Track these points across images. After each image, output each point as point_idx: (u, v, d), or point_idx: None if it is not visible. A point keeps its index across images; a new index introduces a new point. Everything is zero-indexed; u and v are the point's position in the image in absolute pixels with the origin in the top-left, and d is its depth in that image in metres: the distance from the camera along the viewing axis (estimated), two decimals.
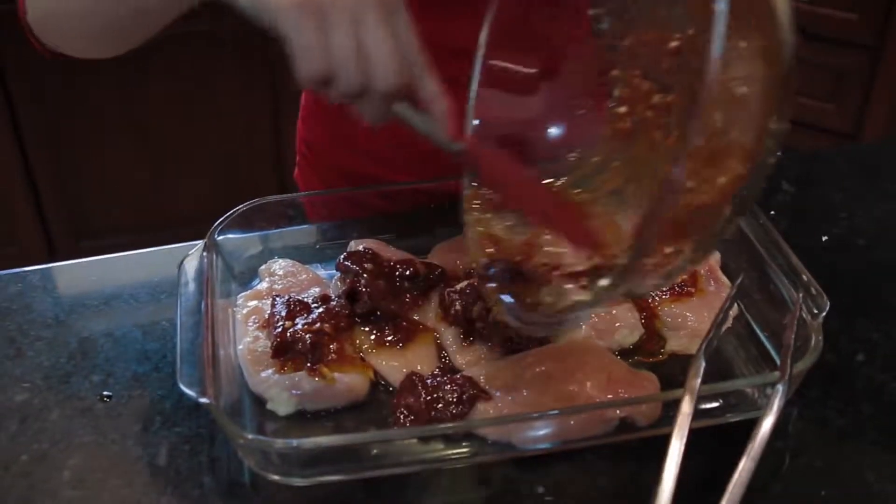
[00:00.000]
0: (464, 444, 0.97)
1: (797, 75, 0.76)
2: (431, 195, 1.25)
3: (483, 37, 1.00)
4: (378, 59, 0.80)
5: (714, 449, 0.95)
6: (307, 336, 1.03)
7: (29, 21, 1.05)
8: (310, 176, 1.47)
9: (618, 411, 0.97)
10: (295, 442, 0.94)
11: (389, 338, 1.07)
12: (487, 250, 1.00)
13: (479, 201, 1.03)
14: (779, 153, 0.78)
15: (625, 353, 1.08)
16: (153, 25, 1.02)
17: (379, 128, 0.88)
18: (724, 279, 1.14)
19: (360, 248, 1.16)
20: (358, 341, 1.07)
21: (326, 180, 1.44)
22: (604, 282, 0.83)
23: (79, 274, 1.27)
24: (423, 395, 0.98)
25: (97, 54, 1.11)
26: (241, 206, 1.17)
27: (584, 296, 0.86)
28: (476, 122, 1.01)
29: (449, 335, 1.09)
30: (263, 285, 1.15)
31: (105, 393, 1.05)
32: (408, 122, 0.89)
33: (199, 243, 1.12)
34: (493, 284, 0.96)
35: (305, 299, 1.09)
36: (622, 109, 1.00)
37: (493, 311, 1.04)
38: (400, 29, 0.81)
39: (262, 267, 1.18)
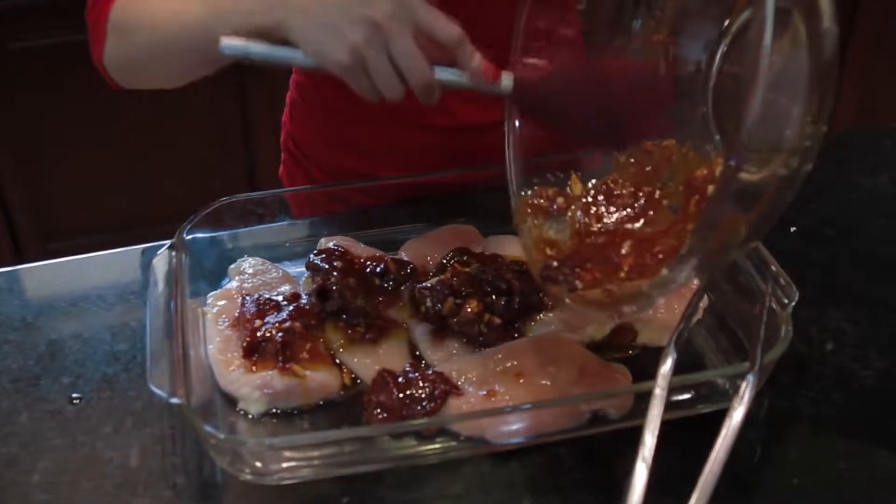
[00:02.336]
0: (437, 439, 0.97)
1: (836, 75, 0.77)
2: (418, 188, 1.25)
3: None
4: (410, 69, 0.96)
5: (686, 440, 0.94)
6: (278, 335, 1.03)
7: (104, 65, 1.16)
8: (295, 173, 1.47)
9: (590, 404, 0.97)
10: (267, 441, 0.95)
11: (361, 335, 1.07)
12: (547, 252, 1.00)
13: (530, 209, 1.06)
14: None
15: (596, 347, 1.08)
16: (218, 66, 1.11)
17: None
18: None
19: (330, 245, 1.15)
20: (329, 339, 1.07)
21: (312, 177, 1.43)
22: (664, 271, 0.83)
23: (47, 276, 1.26)
24: (396, 392, 0.98)
25: (169, 86, 1.19)
26: (209, 205, 1.17)
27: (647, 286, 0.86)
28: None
29: (420, 331, 1.08)
30: (233, 284, 1.14)
31: (74, 395, 1.05)
32: (453, 85, 1.00)
33: (168, 243, 1.11)
34: (558, 282, 0.96)
35: (276, 298, 1.09)
36: None
37: (470, 308, 1.04)
38: (422, 24, 0.95)
39: (232, 266, 1.17)
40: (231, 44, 0.99)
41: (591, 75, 1.01)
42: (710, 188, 0.90)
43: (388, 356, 1.05)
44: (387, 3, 0.94)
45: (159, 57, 1.12)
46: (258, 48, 1.00)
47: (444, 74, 1.00)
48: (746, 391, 0.90)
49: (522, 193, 1.06)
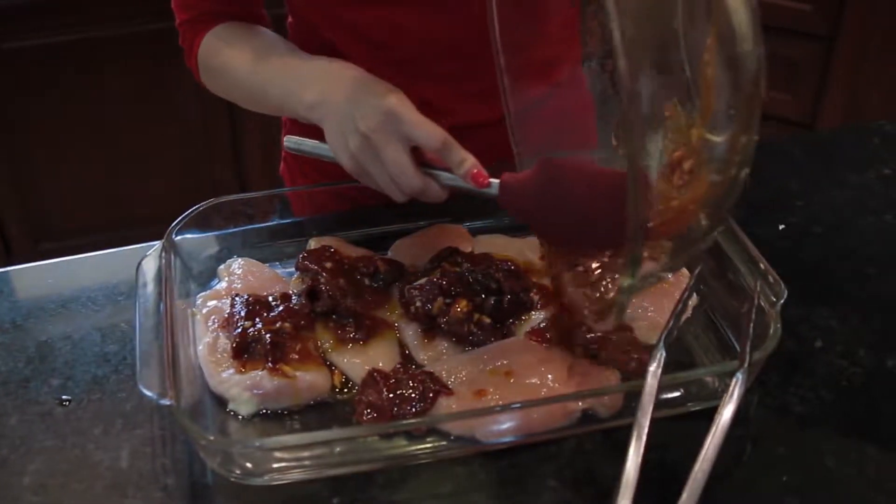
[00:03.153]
0: (427, 439, 0.97)
1: (764, 90, 0.79)
2: None
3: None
4: (398, 178, 1.04)
5: (676, 438, 0.95)
6: (267, 335, 1.03)
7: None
8: (296, 170, 1.46)
9: (580, 403, 0.98)
10: (257, 442, 0.95)
11: (350, 335, 1.07)
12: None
13: None
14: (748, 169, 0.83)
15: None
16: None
17: None
18: (683, 269, 1.15)
19: (320, 246, 1.15)
20: (319, 339, 1.07)
21: (311, 176, 1.43)
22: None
23: (36, 277, 1.25)
24: (386, 392, 0.98)
25: None
26: (198, 206, 1.17)
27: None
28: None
29: (410, 331, 1.09)
30: (223, 285, 1.14)
31: (64, 397, 1.04)
32: (451, 186, 1.06)
33: (157, 244, 1.11)
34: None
35: (265, 298, 1.09)
36: None
37: (460, 308, 1.04)
38: (413, 137, 1.02)
39: (221, 266, 1.17)
40: (290, 144, 1.16)
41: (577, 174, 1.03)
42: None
43: (377, 356, 1.05)
44: (374, 116, 1.02)
45: (241, 101, 1.25)
46: (310, 146, 1.14)
47: (442, 176, 1.05)
48: (736, 388, 0.91)
49: None
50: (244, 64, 1.19)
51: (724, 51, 0.83)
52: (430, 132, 1.02)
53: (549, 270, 1.09)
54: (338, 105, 1.06)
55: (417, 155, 1.04)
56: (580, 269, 1.01)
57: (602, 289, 0.98)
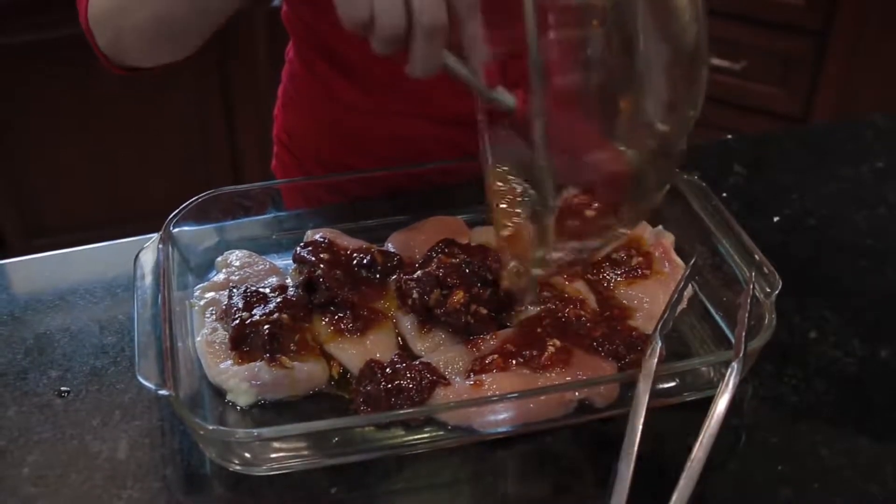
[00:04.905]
0: (425, 429, 0.98)
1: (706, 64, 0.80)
2: (408, 179, 1.26)
3: None
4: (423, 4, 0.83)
5: (671, 428, 0.96)
6: (265, 327, 1.03)
7: (89, 22, 1.12)
8: (288, 166, 1.47)
9: (576, 393, 0.98)
10: (256, 432, 0.95)
11: (348, 326, 1.07)
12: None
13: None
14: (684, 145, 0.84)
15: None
16: (207, 27, 1.07)
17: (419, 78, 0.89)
18: (679, 261, 1.15)
19: (317, 237, 1.16)
20: (317, 331, 1.08)
21: (306, 170, 1.44)
22: None
23: (33, 270, 1.26)
24: (383, 383, 0.99)
25: (156, 59, 1.16)
26: (196, 198, 1.17)
27: None
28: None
29: (407, 322, 1.09)
30: (220, 277, 1.14)
31: (63, 388, 1.05)
32: (454, 73, 0.90)
33: (155, 236, 1.12)
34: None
35: (263, 290, 1.09)
36: None
37: (456, 299, 1.05)
38: None
39: (219, 258, 1.17)
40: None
41: None
42: None
43: (375, 347, 1.06)
44: None
45: (157, 33, 1.09)
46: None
47: (449, 60, 0.90)
48: (731, 378, 0.91)
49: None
50: None
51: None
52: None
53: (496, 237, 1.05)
54: None
55: None
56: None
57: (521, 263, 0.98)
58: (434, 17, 0.84)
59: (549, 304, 1.09)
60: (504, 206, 1.02)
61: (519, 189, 1.03)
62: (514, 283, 1.01)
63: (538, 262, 0.87)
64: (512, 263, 1.00)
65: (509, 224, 1.00)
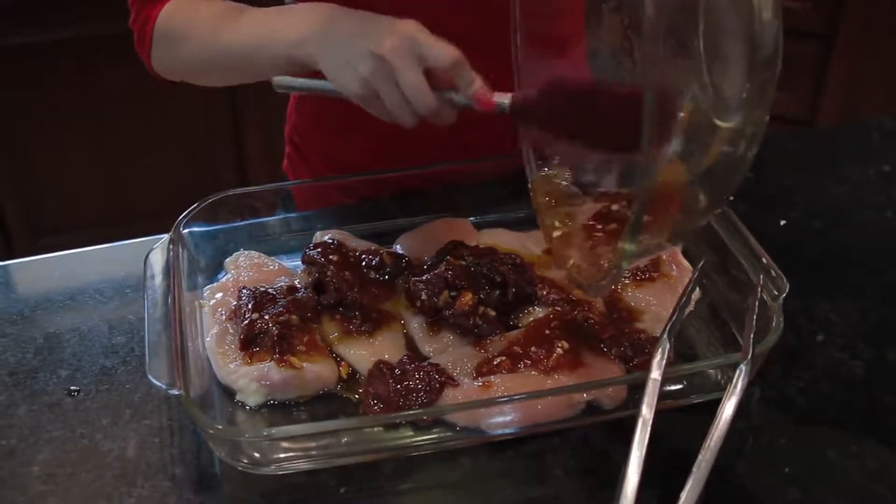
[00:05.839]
0: (433, 430, 0.98)
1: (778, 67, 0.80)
2: (425, 180, 1.28)
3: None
4: (414, 98, 1.02)
5: (678, 430, 0.96)
6: (274, 327, 1.04)
7: (154, 68, 1.25)
8: (299, 166, 1.47)
9: (584, 395, 0.98)
10: (265, 431, 0.95)
11: (357, 327, 1.07)
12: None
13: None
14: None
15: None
16: (254, 77, 1.20)
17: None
18: (686, 263, 1.16)
19: (326, 239, 1.16)
20: (326, 331, 1.08)
21: (316, 171, 1.44)
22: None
23: (42, 270, 1.26)
24: (392, 383, 0.99)
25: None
26: (206, 199, 1.17)
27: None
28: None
29: (415, 323, 1.09)
30: (230, 277, 1.15)
31: (73, 387, 1.05)
32: (460, 107, 1.05)
33: (164, 237, 1.12)
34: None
35: (272, 291, 1.10)
36: None
37: (465, 301, 1.05)
38: (428, 57, 1.01)
39: (228, 259, 1.18)
40: (281, 82, 1.11)
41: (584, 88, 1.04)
42: None
43: (383, 348, 1.06)
44: (390, 37, 1.01)
45: (203, 69, 1.23)
46: (302, 83, 1.11)
47: (453, 98, 1.05)
48: (739, 381, 0.91)
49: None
50: (206, 24, 1.17)
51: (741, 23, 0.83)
52: (445, 51, 1.01)
53: (546, 239, 1.08)
54: (338, 34, 1.05)
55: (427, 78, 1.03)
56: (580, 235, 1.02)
57: (599, 257, 0.99)
58: (426, 108, 1.02)
59: (557, 307, 1.09)
60: (552, 210, 1.06)
61: (565, 191, 1.06)
62: (576, 282, 1.02)
63: (628, 253, 0.88)
64: (571, 262, 1.01)
65: (559, 226, 1.03)
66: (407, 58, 1.01)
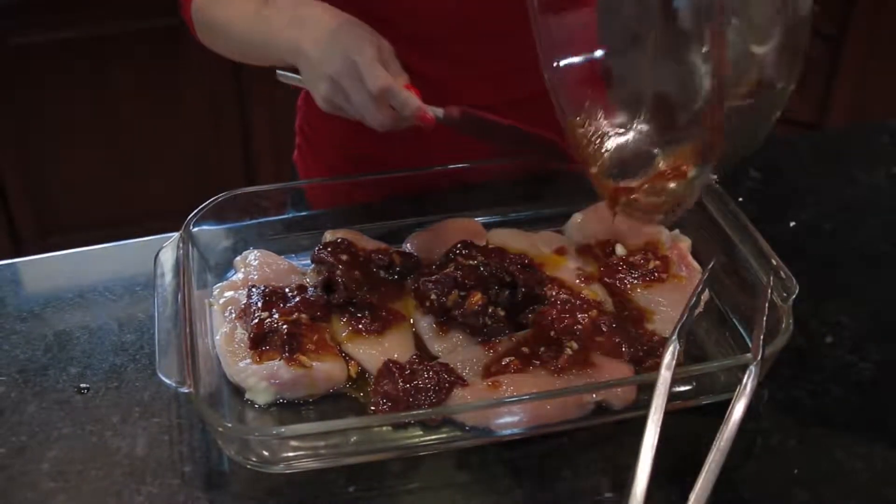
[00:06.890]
0: (442, 429, 0.98)
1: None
2: (436, 176, 1.28)
3: None
4: (363, 115, 1.11)
5: (688, 430, 0.96)
6: (284, 326, 1.04)
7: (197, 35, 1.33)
8: (309, 157, 1.47)
9: (593, 395, 0.98)
10: (274, 430, 0.96)
11: (366, 326, 1.08)
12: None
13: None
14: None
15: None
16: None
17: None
18: (696, 264, 1.16)
19: (336, 238, 1.16)
20: (335, 330, 1.08)
21: (327, 161, 1.44)
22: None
23: (52, 268, 1.26)
24: (401, 383, 0.99)
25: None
26: (215, 198, 1.18)
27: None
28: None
29: (424, 323, 1.10)
30: (239, 276, 1.15)
31: (82, 385, 1.05)
32: (404, 119, 1.12)
33: (174, 235, 1.12)
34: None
35: (281, 289, 1.10)
36: None
37: (474, 300, 1.05)
38: (373, 78, 1.08)
39: (238, 258, 1.18)
40: (283, 74, 1.20)
41: None
42: None
43: (393, 347, 1.06)
44: (337, 62, 1.09)
45: (237, 52, 1.30)
46: (297, 79, 1.18)
47: (403, 114, 1.12)
48: (748, 382, 0.92)
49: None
50: (234, 18, 1.24)
51: None
52: (373, 80, 1.08)
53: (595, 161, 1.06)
54: (307, 52, 1.12)
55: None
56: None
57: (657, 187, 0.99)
58: (377, 121, 1.11)
59: (566, 307, 1.09)
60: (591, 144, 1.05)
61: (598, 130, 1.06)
62: (627, 213, 1.02)
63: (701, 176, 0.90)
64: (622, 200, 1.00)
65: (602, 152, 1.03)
66: (351, 81, 1.09)
